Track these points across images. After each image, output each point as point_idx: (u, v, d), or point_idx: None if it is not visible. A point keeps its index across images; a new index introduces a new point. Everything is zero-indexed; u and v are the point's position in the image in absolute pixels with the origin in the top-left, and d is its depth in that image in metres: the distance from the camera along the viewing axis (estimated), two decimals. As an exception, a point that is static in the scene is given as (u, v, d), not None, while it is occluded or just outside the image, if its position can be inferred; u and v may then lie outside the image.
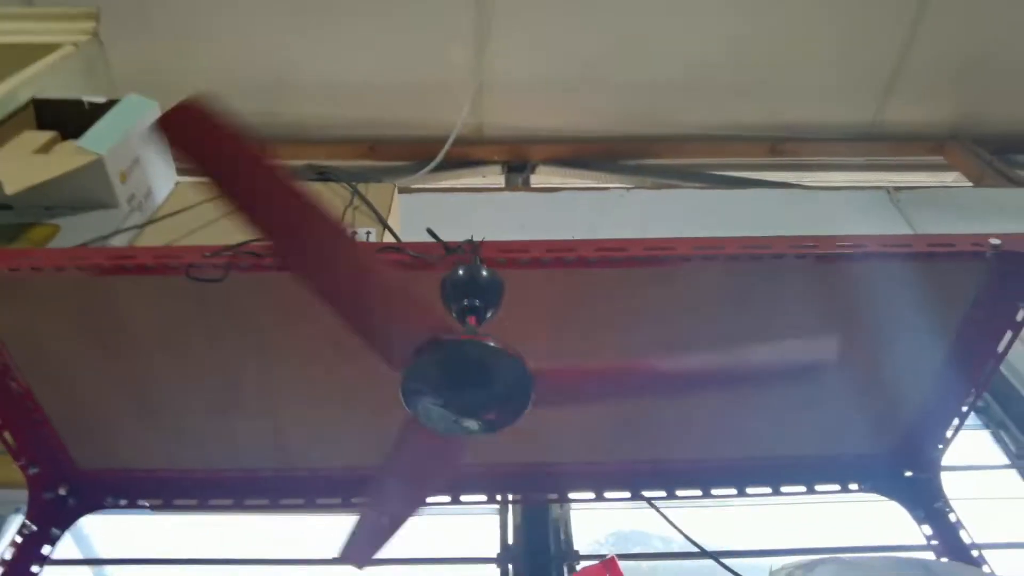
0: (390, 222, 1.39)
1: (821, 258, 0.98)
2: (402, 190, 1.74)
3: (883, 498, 1.24)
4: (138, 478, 1.24)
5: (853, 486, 1.25)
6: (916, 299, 1.05)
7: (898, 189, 2.28)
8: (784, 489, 1.23)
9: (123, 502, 1.24)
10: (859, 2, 2.43)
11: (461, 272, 0.81)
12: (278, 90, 2.48)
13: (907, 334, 1.10)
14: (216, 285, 0.94)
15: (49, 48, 1.67)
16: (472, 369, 0.68)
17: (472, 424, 0.71)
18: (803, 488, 1.23)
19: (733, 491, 1.22)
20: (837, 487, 1.24)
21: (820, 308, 1.07)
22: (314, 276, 0.67)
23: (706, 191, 2.43)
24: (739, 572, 1.14)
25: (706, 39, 2.47)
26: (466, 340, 0.69)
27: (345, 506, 1.23)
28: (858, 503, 1.33)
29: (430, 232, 0.91)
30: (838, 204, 2.24)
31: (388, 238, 1.33)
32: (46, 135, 1.43)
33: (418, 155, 2.53)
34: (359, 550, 0.91)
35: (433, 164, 2.41)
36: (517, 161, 2.68)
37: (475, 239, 0.89)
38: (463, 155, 2.61)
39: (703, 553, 1.22)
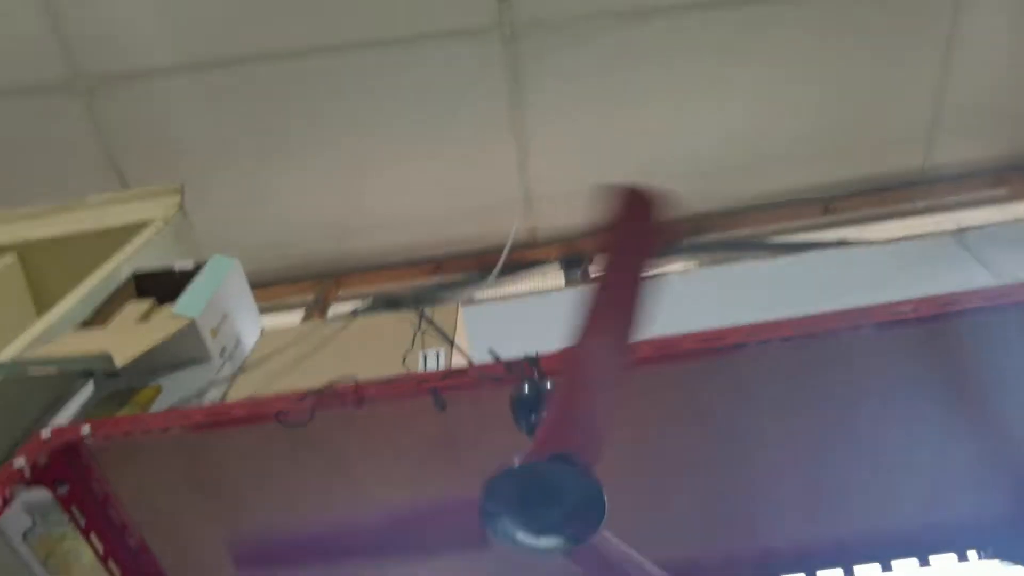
0: (456, 339, 1.46)
1: (880, 326, 0.98)
2: (467, 302, 1.82)
3: (1008, 564, 1.16)
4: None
5: (971, 554, 1.17)
6: (999, 353, 1.03)
7: (962, 230, 2.22)
8: (895, 564, 1.17)
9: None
10: (887, 52, 2.46)
11: (526, 389, 0.86)
12: (348, 228, 2.69)
13: (1003, 389, 1.07)
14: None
15: (142, 225, 1.89)
16: (535, 492, 0.71)
17: (556, 540, 0.73)
18: (916, 561, 1.17)
19: (840, 572, 1.17)
20: (954, 556, 1.17)
21: (898, 379, 1.06)
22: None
23: (765, 262, 2.43)
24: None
25: (738, 116, 2.54)
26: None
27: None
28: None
29: (491, 353, 0.96)
30: (901, 255, 2.19)
31: (456, 356, 1.39)
32: (145, 304, 1.59)
33: (481, 265, 2.67)
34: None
35: (494, 274, 2.52)
36: (572, 256, 2.77)
37: (534, 354, 0.94)
38: (521, 258, 2.72)
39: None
